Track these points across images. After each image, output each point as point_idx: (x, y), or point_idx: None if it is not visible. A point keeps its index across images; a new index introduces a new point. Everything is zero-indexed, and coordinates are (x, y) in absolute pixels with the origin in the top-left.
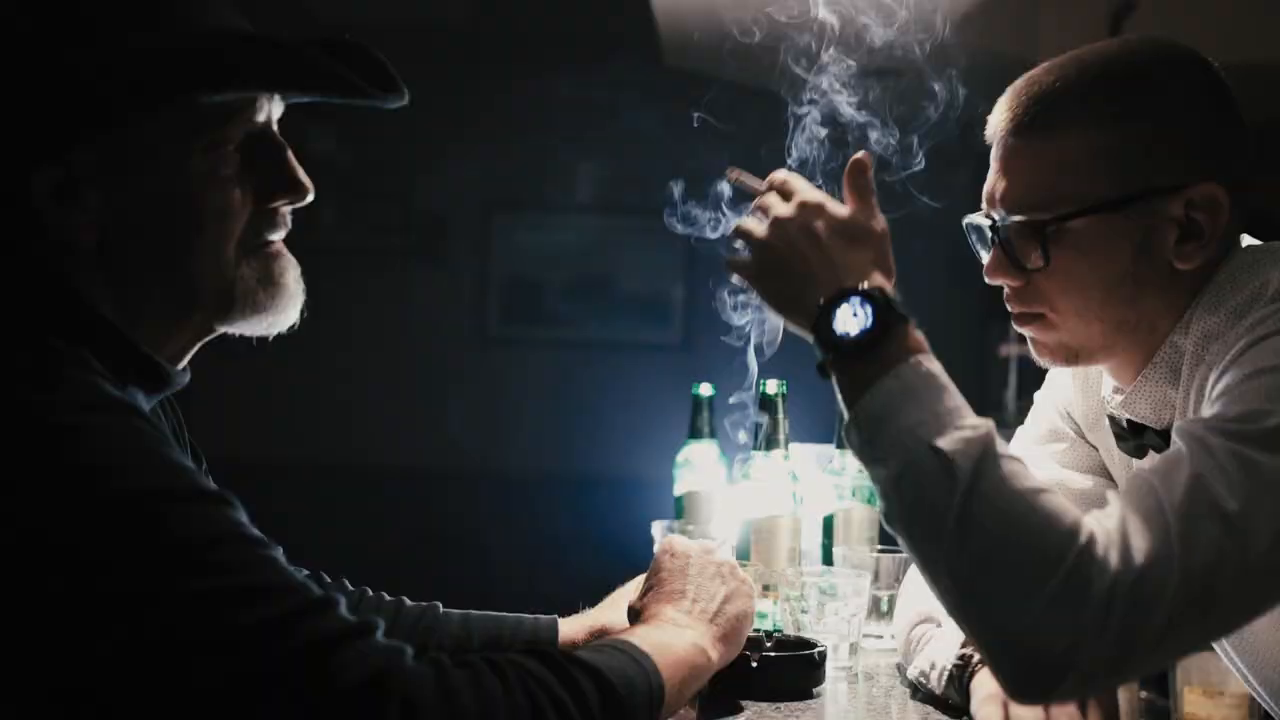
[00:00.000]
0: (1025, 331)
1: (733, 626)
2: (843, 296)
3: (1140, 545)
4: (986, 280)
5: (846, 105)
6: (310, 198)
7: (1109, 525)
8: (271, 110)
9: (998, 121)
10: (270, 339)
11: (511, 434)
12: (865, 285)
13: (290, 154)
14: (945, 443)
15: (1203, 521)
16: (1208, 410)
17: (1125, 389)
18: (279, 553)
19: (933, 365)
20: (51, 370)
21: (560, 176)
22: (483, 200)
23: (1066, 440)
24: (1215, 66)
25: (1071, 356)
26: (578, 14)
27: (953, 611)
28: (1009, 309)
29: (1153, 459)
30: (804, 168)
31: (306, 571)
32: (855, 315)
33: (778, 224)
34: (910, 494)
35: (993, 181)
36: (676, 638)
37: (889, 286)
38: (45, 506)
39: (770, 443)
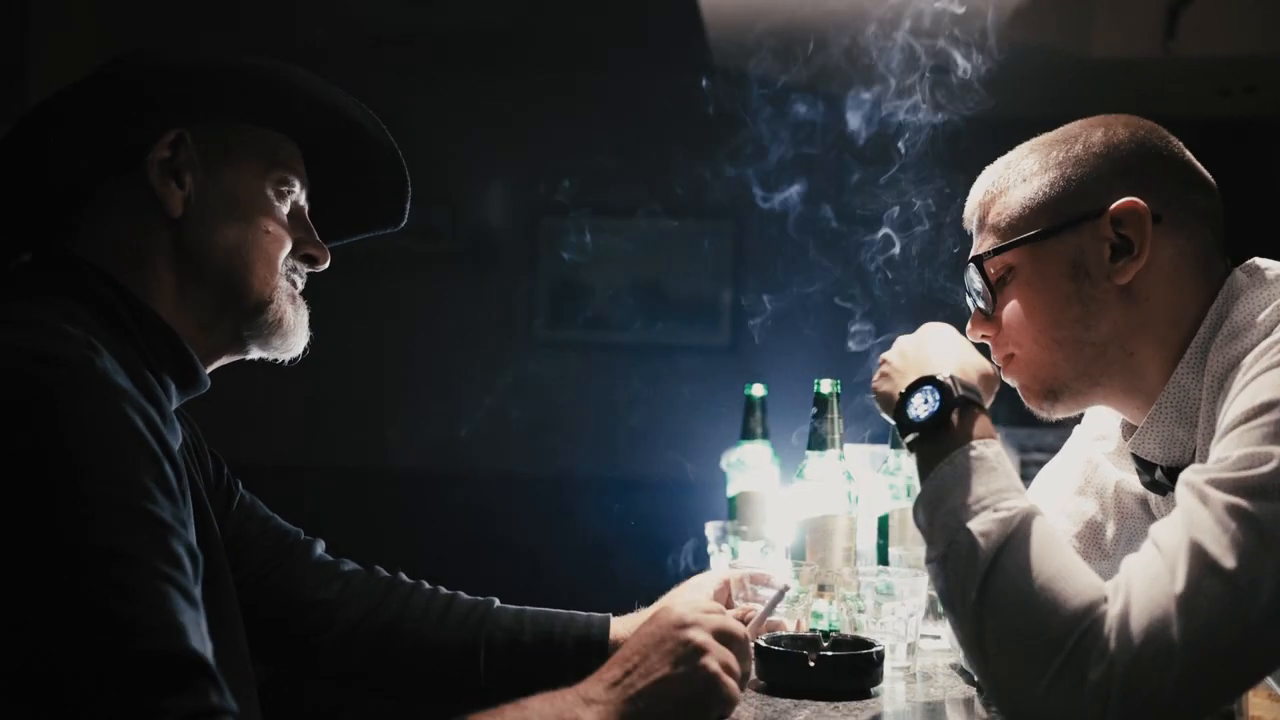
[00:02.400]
0: (1007, 379)
1: (654, 710)
2: (917, 386)
3: (1140, 624)
4: (969, 338)
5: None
6: (327, 265)
7: (1115, 608)
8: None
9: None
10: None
11: (562, 437)
12: (940, 375)
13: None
14: (976, 524)
15: (1204, 583)
16: (1216, 446)
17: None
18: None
19: (989, 449)
20: (35, 323)
21: (609, 179)
22: (531, 204)
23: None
24: (1158, 128)
25: (1051, 395)
26: (626, 18)
27: (983, 683)
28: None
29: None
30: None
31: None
32: (926, 401)
33: (897, 344)
34: (951, 574)
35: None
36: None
37: (967, 375)
38: None
39: (824, 442)
